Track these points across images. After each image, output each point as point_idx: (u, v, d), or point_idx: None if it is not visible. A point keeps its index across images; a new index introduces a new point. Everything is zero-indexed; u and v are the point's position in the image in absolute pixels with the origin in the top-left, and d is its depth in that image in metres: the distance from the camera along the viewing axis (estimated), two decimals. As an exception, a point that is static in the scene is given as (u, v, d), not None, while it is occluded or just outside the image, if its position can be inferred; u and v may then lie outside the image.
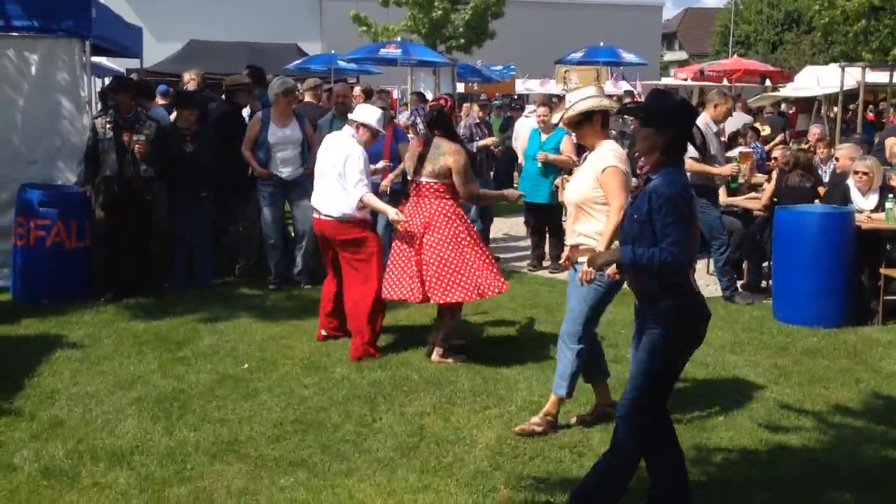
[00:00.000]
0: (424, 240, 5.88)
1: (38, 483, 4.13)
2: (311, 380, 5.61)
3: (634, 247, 3.70)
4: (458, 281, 5.83)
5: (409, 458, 4.51)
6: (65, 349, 6.07)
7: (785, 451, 4.64)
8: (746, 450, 4.66)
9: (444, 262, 5.84)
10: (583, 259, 4.66)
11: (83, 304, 7.19)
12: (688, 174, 4.41)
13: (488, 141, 10.24)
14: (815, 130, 11.64)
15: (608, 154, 4.73)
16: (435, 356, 6.00)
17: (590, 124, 4.78)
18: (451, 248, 5.86)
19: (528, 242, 10.03)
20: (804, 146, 8.86)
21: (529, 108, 11.79)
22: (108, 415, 4.97)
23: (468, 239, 5.93)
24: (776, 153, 9.86)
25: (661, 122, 3.73)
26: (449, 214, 5.93)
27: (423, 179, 5.95)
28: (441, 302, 5.93)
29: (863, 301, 7.32)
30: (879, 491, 4.19)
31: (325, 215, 6.14)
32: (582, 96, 4.81)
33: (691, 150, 7.46)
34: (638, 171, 3.92)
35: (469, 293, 5.85)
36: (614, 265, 4.18)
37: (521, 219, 11.44)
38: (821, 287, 7.05)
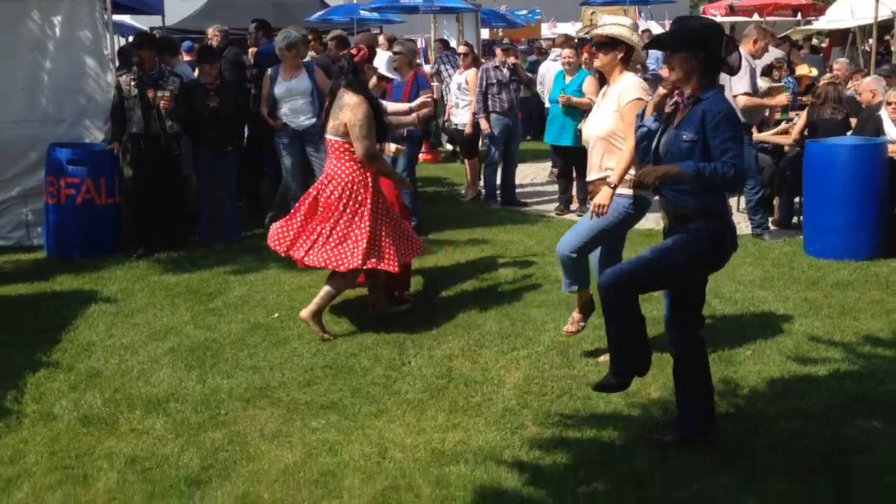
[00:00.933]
0: (317, 201, 5.44)
1: (78, 430, 4.25)
2: (340, 326, 5.68)
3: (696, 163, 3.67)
4: (330, 250, 5.36)
5: (438, 398, 4.57)
6: (99, 303, 6.20)
7: (814, 382, 4.63)
8: (775, 382, 4.65)
9: (322, 228, 5.39)
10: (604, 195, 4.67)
11: (115, 259, 7.32)
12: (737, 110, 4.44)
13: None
14: (837, 66, 11.33)
15: (633, 87, 4.71)
16: (304, 317, 5.47)
17: (612, 52, 4.73)
18: (334, 214, 5.37)
19: (555, 187, 9.98)
20: (833, 79, 8.62)
21: (555, 51, 11.58)
22: (143, 365, 5.08)
23: (362, 206, 5.36)
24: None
25: (694, 43, 3.73)
26: (341, 176, 5.38)
27: (327, 136, 5.48)
28: (306, 265, 5.51)
29: (894, 233, 7.20)
30: (908, 418, 4.18)
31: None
32: (615, 21, 4.80)
33: (743, 86, 7.46)
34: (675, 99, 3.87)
35: (346, 263, 5.34)
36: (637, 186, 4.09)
37: (548, 164, 11.38)
38: (852, 220, 6.95)
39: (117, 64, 8.12)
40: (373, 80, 6.16)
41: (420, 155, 9.95)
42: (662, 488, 3.60)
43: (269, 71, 8.16)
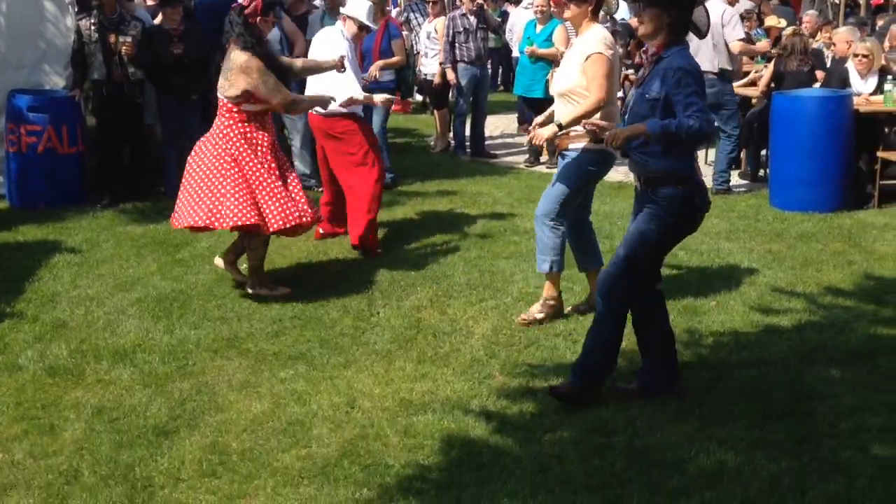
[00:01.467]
0: (196, 161, 5.26)
1: (44, 381, 4.23)
2: (309, 277, 5.67)
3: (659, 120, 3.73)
4: (208, 208, 5.11)
5: (407, 349, 4.60)
6: (64, 254, 6.12)
7: (775, 332, 4.72)
8: (738, 332, 4.74)
9: (200, 188, 5.17)
10: (575, 146, 4.67)
11: (80, 209, 7.21)
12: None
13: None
14: (807, 18, 11.33)
15: (596, 40, 4.63)
16: (249, 289, 5.34)
17: (584, 4, 4.64)
18: (212, 172, 5.15)
19: (525, 139, 9.95)
20: (797, 30, 8.63)
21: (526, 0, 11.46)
22: (110, 316, 5.05)
23: (239, 164, 5.13)
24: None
25: (666, 3, 3.76)
26: (220, 135, 5.18)
27: (218, 94, 5.24)
28: (186, 225, 5.26)
29: (859, 185, 7.31)
30: (864, 365, 4.28)
31: (315, 112, 6.08)
32: None
33: (738, 33, 7.50)
34: (639, 57, 3.94)
35: (225, 220, 5.09)
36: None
37: (515, 115, 11.32)
38: (817, 172, 7.04)
39: (76, 8, 7.91)
40: (352, 29, 6.07)
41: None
42: (626, 436, 3.67)
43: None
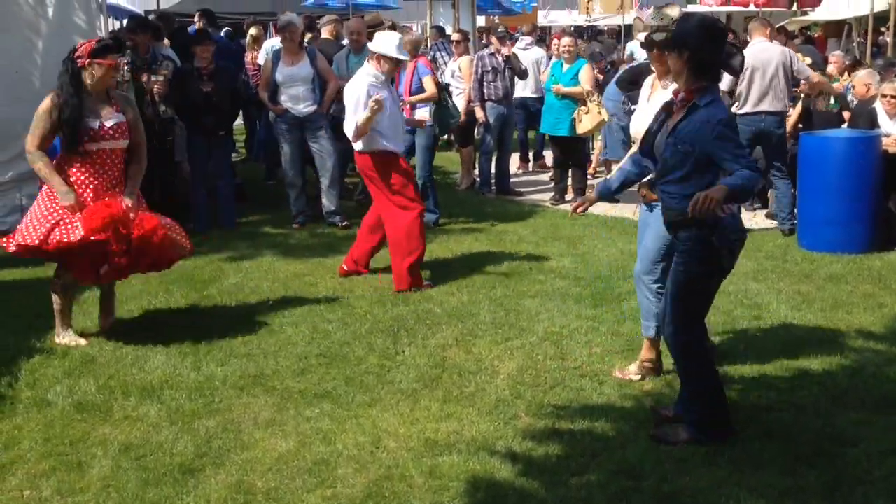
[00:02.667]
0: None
1: (72, 417, 4.26)
2: (335, 315, 5.69)
3: (678, 174, 3.78)
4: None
5: (432, 388, 4.58)
6: (94, 289, 6.16)
7: (805, 375, 4.65)
8: (767, 374, 4.68)
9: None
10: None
11: (110, 245, 7.29)
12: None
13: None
14: (833, 59, 11.31)
15: None
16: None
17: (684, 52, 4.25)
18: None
19: (545, 175, 9.98)
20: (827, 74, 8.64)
21: (525, 39, 11.53)
22: (138, 352, 5.08)
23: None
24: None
25: (676, 44, 3.75)
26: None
27: None
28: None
29: (889, 227, 7.24)
30: (899, 412, 4.21)
31: (357, 150, 6.23)
32: (678, 15, 4.54)
33: (805, 68, 7.73)
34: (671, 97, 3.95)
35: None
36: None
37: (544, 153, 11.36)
38: (846, 213, 6.98)
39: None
40: (385, 67, 6.14)
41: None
42: (654, 480, 3.63)
43: (271, 55, 8.17)
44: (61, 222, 5.02)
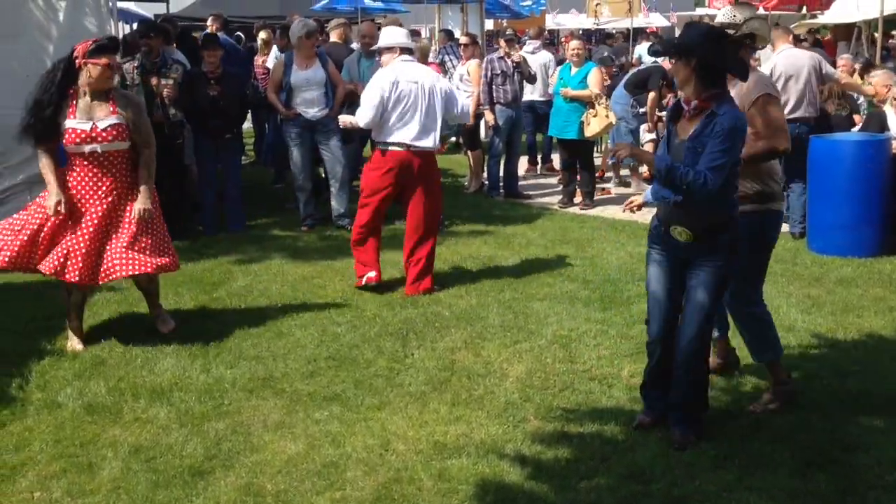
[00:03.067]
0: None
1: (82, 419, 4.27)
2: (344, 318, 5.69)
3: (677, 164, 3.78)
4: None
5: (441, 391, 4.58)
6: (103, 292, 6.20)
7: (815, 378, 4.64)
8: (777, 379, 4.66)
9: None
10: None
11: (120, 248, 7.32)
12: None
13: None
14: (842, 62, 11.28)
15: (757, 84, 4.15)
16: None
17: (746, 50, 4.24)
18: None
19: (553, 178, 9.97)
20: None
21: (532, 43, 11.52)
22: (148, 354, 5.10)
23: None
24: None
25: (681, 52, 3.79)
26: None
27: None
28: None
29: (900, 230, 7.21)
30: (910, 416, 4.19)
31: (421, 148, 6.17)
32: (749, 15, 4.30)
33: (833, 70, 7.74)
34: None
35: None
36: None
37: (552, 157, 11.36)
38: (856, 216, 6.96)
39: (120, 51, 8.12)
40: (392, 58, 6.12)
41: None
42: (664, 483, 3.62)
43: (283, 57, 8.19)
44: (21, 231, 5.02)
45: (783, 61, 7.60)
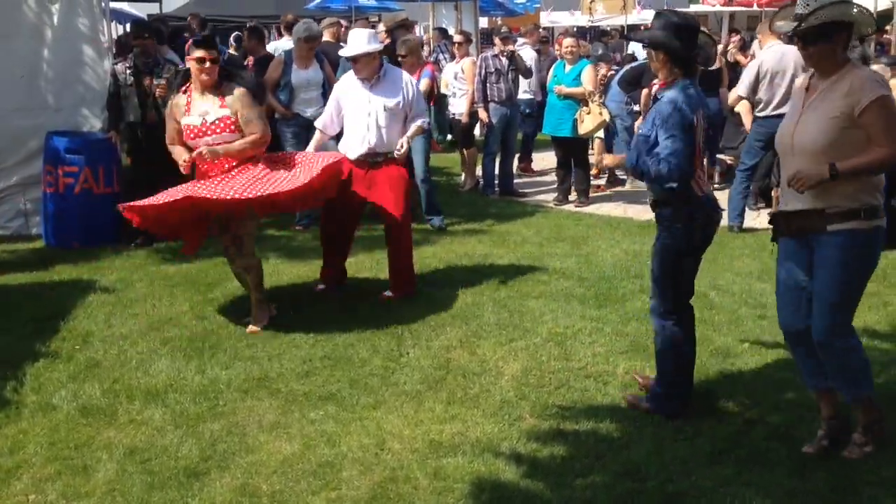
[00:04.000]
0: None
1: (77, 421, 4.26)
2: (339, 317, 5.69)
3: (641, 157, 4.00)
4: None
5: (436, 390, 4.58)
6: (98, 293, 6.20)
7: (811, 375, 4.64)
8: (772, 374, 4.67)
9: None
10: (839, 226, 3.62)
11: (114, 249, 7.31)
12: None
13: None
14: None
15: (868, 83, 3.54)
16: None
17: (828, 44, 3.58)
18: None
19: (553, 177, 9.96)
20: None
21: (522, 40, 11.49)
22: (142, 355, 5.09)
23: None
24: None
25: (658, 43, 3.97)
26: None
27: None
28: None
29: (893, 226, 7.18)
30: (904, 411, 4.19)
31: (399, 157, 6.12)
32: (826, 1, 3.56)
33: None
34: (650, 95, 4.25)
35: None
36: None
37: (546, 154, 11.35)
38: (850, 212, 6.93)
39: (114, 52, 8.11)
40: (369, 68, 5.98)
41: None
42: (659, 480, 3.62)
43: (282, 56, 8.18)
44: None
45: (770, 57, 7.63)
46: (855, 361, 3.77)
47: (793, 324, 3.85)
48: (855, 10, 3.57)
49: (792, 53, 7.72)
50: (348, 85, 6.12)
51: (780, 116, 7.46)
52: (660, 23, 4.01)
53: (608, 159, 4.41)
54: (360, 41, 5.92)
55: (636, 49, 14.78)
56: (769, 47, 7.79)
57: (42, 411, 4.38)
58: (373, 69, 6.00)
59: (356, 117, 6.05)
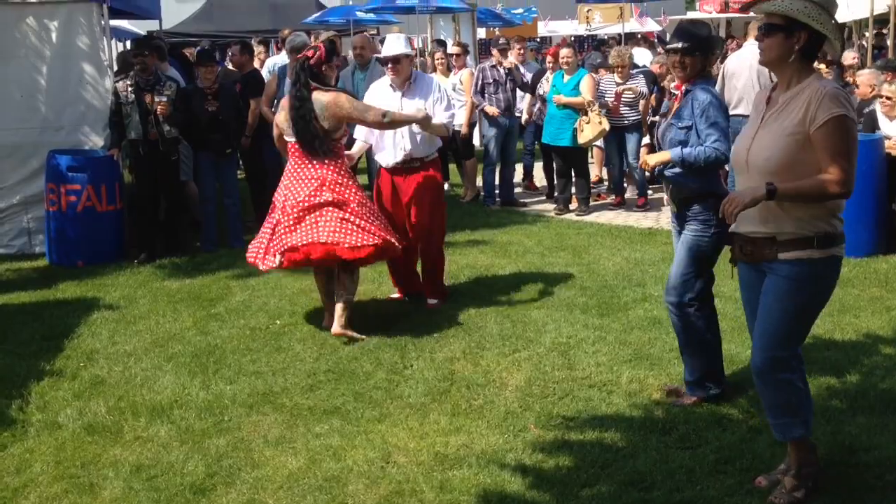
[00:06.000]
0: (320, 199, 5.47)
1: (83, 439, 4.27)
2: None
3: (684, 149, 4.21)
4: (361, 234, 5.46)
5: (441, 402, 4.59)
6: (102, 310, 6.22)
7: (814, 380, 4.62)
8: (775, 381, 4.66)
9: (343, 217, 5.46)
10: (789, 255, 3.35)
11: (117, 266, 7.34)
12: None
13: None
14: (847, 56, 11.30)
15: (828, 99, 3.20)
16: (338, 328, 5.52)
17: (785, 40, 3.27)
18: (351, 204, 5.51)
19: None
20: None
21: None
22: (147, 372, 5.10)
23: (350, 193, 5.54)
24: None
25: (705, 48, 4.27)
26: (339, 169, 5.56)
27: (296, 138, 5.50)
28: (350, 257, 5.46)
29: (894, 229, 7.22)
30: (909, 416, 4.20)
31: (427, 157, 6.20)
32: None
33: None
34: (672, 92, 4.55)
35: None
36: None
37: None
38: (850, 216, 6.70)
39: (115, 69, 8.15)
40: (402, 72, 5.99)
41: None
42: (665, 490, 3.62)
43: (277, 70, 8.24)
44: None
45: (732, 60, 8.16)
46: (790, 398, 3.43)
47: None
48: (819, 14, 3.21)
49: (751, 56, 7.78)
50: (379, 93, 6.12)
51: (738, 116, 7.61)
52: (700, 29, 4.37)
53: (652, 159, 4.35)
54: (398, 43, 6.03)
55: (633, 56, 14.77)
56: (743, 47, 8.19)
57: (48, 430, 4.39)
58: (407, 74, 6.06)
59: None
